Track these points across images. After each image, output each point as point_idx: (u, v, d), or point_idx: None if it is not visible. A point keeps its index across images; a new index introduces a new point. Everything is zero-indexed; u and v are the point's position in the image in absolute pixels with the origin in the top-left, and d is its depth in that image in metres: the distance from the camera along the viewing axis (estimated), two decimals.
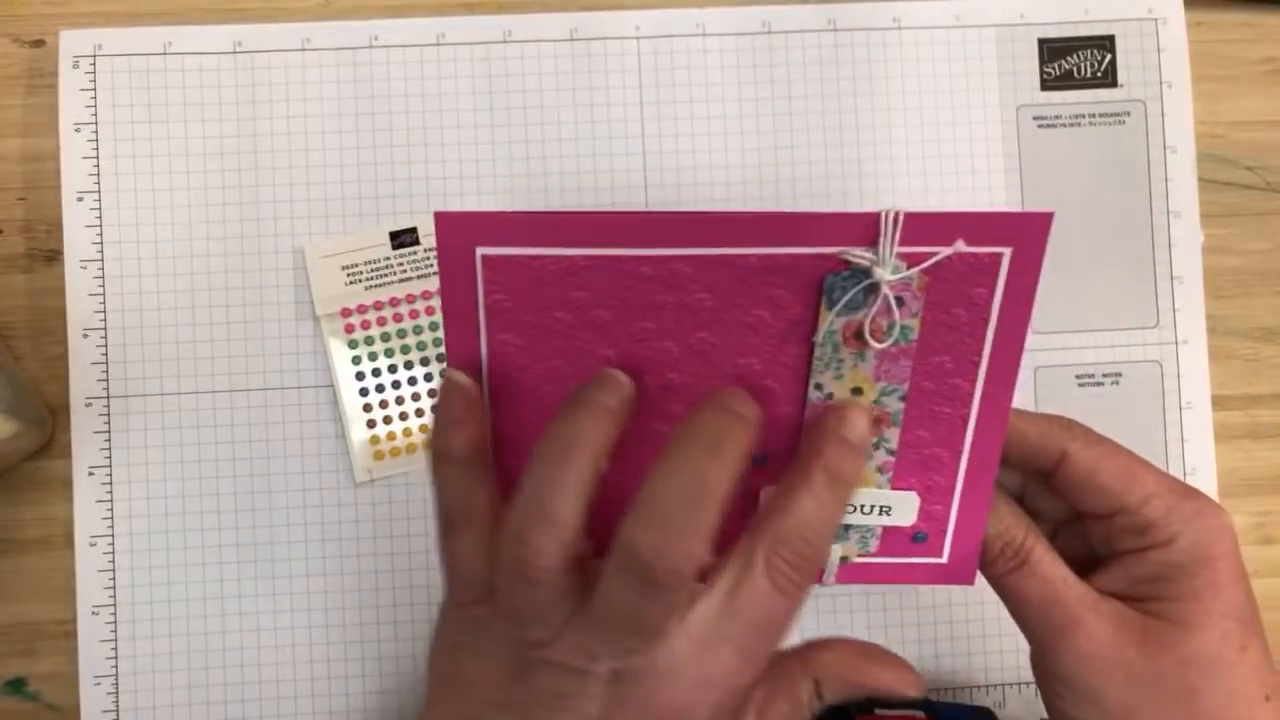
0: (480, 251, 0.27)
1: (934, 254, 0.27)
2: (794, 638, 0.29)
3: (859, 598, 0.43)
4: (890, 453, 0.30)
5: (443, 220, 0.27)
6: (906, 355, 0.28)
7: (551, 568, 0.26)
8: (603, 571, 0.26)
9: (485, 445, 0.29)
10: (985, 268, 0.27)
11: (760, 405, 0.28)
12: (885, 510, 0.30)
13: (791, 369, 0.28)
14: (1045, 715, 0.42)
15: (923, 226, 0.26)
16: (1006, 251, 0.27)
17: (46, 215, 0.42)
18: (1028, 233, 0.27)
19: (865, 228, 0.26)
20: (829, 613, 0.43)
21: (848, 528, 0.31)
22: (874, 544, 0.31)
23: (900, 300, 0.27)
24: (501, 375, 0.29)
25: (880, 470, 0.30)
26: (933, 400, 0.29)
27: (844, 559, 0.31)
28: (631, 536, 0.25)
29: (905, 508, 0.30)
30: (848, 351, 0.28)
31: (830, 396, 0.29)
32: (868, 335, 0.28)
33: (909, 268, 0.27)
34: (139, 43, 0.42)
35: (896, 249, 0.26)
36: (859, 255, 0.27)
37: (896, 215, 0.26)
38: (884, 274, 0.27)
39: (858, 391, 0.29)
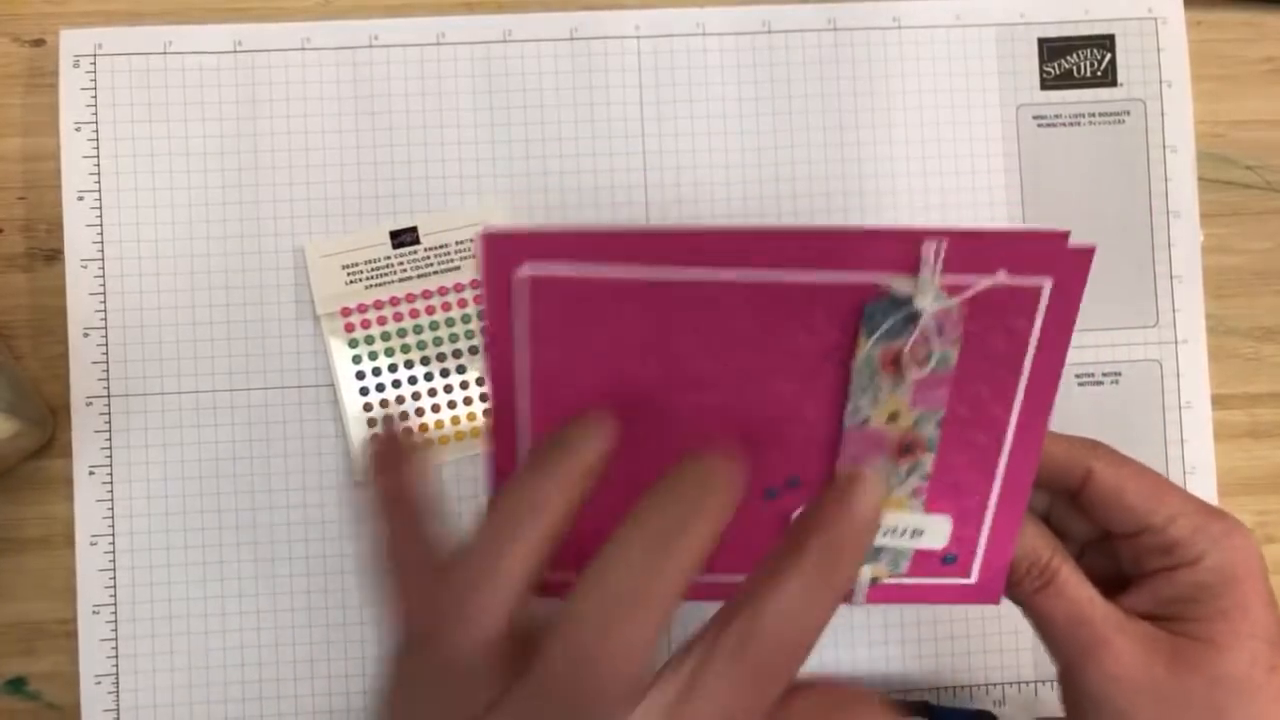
0: (524, 272, 0.25)
1: (975, 282, 0.25)
2: None
3: None
4: (924, 478, 0.28)
5: (487, 240, 0.25)
6: (944, 382, 0.27)
7: (493, 630, 0.23)
8: (541, 648, 0.23)
9: (420, 488, 0.26)
10: (1026, 298, 0.26)
11: (796, 430, 0.27)
12: (918, 533, 0.29)
13: (828, 393, 0.27)
14: (1045, 716, 0.42)
15: (964, 253, 0.25)
16: (1047, 283, 0.25)
17: (47, 215, 0.40)
18: (1069, 265, 0.25)
19: (907, 249, 0.25)
20: None
21: (879, 550, 0.29)
22: (905, 565, 0.29)
23: (940, 328, 0.26)
24: (543, 396, 0.27)
25: (914, 494, 0.28)
26: (968, 427, 0.27)
27: (874, 580, 0.30)
28: (568, 628, 0.22)
29: (938, 531, 0.29)
30: (885, 377, 0.27)
31: (867, 421, 0.27)
32: (906, 362, 0.26)
33: (949, 296, 0.25)
34: (139, 42, 0.40)
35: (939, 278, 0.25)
36: (901, 284, 0.25)
37: (939, 245, 0.24)
38: (925, 303, 0.25)
39: (894, 416, 0.27)
